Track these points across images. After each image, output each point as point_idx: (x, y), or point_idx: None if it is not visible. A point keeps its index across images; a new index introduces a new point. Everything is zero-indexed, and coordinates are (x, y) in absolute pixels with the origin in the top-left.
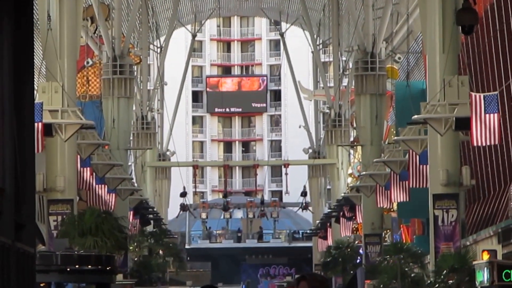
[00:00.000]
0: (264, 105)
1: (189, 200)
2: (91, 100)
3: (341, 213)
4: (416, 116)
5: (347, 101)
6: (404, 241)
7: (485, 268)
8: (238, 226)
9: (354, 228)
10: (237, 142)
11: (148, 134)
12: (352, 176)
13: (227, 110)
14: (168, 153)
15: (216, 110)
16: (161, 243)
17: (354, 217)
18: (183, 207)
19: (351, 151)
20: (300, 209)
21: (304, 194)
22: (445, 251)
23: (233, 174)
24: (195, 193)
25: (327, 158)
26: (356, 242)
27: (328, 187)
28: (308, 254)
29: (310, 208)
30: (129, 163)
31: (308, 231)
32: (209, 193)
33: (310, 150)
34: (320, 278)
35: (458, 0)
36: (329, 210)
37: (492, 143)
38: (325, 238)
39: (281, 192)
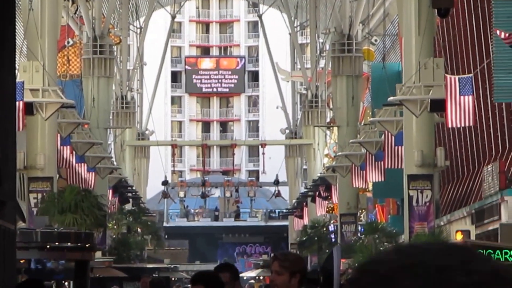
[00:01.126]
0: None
1: (168, 179)
2: (71, 79)
3: (317, 193)
4: (391, 97)
5: (323, 83)
6: (379, 221)
7: None
8: (216, 205)
9: (329, 208)
10: (215, 122)
11: (128, 114)
12: (328, 156)
13: (206, 89)
14: (147, 132)
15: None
16: (140, 221)
17: (329, 197)
18: (165, 195)
19: (328, 132)
20: (274, 197)
21: (276, 182)
22: (419, 231)
23: (211, 153)
24: (173, 172)
25: (304, 139)
26: (332, 221)
27: (304, 167)
28: (284, 233)
29: (282, 196)
30: (109, 142)
31: (284, 211)
32: (187, 172)
33: (287, 131)
34: (293, 257)
35: None
36: (305, 190)
37: (467, 124)
38: (301, 217)
39: (258, 171)
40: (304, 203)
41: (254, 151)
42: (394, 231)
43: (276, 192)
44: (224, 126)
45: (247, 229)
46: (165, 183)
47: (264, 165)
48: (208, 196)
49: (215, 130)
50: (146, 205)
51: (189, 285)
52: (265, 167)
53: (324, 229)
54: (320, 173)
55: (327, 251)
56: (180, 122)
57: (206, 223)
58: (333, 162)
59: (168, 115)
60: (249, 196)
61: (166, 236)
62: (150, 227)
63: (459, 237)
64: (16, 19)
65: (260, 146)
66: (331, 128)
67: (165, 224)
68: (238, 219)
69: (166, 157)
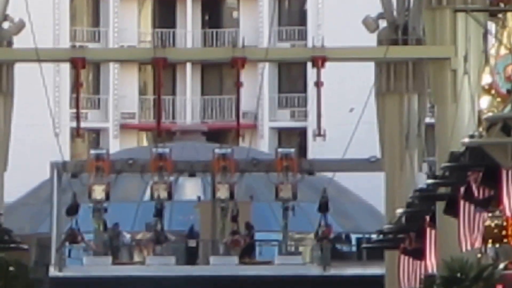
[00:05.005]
0: None
1: (64, 153)
2: None
3: (463, 190)
4: None
5: None
6: None
7: None
8: (190, 221)
9: (494, 228)
10: None
11: None
12: (493, 92)
13: None
14: (7, 25)
15: None
16: None
17: (496, 200)
18: (72, 237)
19: (491, 27)
20: (315, 240)
21: (323, 207)
22: None
23: (178, 82)
24: (77, 132)
25: (426, 45)
26: (504, 264)
27: (427, 119)
28: None
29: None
30: None
31: (373, 237)
32: (112, 133)
33: (382, 23)
34: None
35: None
36: (430, 182)
37: None
38: (418, 254)
39: (304, 131)
40: (428, 218)
41: (293, 77)
42: None
43: (322, 234)
44: (212, 8)
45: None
46: (72, 211)
47: (321, 114)
48: (166, 240)
49: (188, 17)
50: (4, 220)
51: None
52: (325, 121)
53: (481, 285)
54: (471, 135)
55: None
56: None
57: (164, 269)
58: (505, 107)
59: None
60: (280, 197)
61: None
62: (15, 278)
63: None
64: None
65: (310, 64)
66: (502, 14)
67: (53, 272)
68: (249, 260)
69: (61, 92)
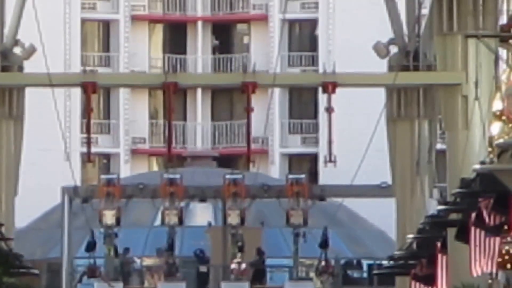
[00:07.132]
0: None
1: (76, 178)
2: None
3: (474, 215)
4: None
5: None
6: None
7: None
8: (198, 245)
9: (506, 254)
10: (199, 23)
11: None
12: (504, 118)
13: None
14: (18, 50)
15: None
16: None
17: (507, 226)
18: (91, 272)
19: (502, 52)
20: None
21: (323, 243)
22: None
23: (189, 107)
24: (88, 157)
25: (437, 71)
26: None
27: (439, 145)
28: None
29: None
30: None
31: (384, 263)
32: (123, 158)
33: (393, 49)
34: None
35: None
36: (441, 208)
37: None
38: (429, 280)
39: (314, 158)
40: (439, 244)
41: (304, 103)
42: None
43: (322, 267)
44: (225, 33)
45: None
46: (90, 247)
47: (332, 140)
48: (177, 271)
49: (199, 43)
50: (14, 245)
51: None
52: (336, 147)
53: None
54: (482, 162)
55: None
56: (106, 24)
57: None
58: None
59: (77, 5)
60: (291, 223)
61: None
62: None
63: None
64: None
65: (321, 90)
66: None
67: None
68: (261, 285)
69: (72, 118)
